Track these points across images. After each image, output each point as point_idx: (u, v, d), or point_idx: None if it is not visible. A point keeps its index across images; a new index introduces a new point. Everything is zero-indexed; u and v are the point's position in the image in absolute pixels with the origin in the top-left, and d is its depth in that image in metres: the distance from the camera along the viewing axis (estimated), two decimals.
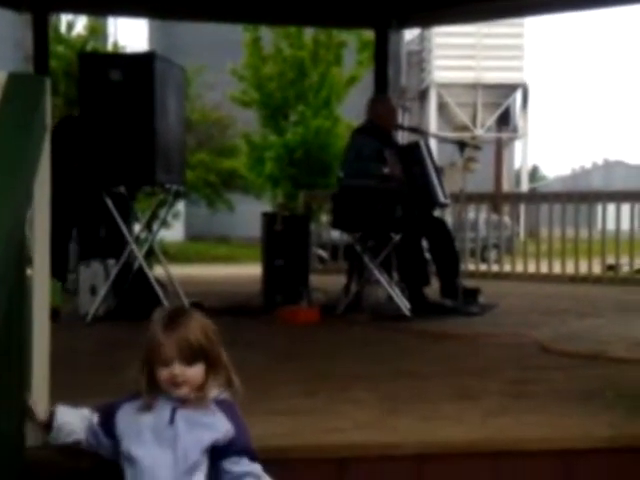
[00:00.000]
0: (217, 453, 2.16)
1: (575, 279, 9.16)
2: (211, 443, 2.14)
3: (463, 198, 6.34)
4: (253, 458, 2.20)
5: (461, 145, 6.21)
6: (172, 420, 2.16)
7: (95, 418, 2.28)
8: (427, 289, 6.15)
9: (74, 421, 2.27)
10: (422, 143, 6.42)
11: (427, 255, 6.43)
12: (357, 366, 3.88)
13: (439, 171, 6.31)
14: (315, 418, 2.79)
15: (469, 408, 2.96)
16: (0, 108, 2.15)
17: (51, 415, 2.28)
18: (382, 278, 6.00)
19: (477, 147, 6.85)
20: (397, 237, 6.08)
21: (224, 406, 2.20)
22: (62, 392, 2.50)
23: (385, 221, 5.98)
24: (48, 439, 2.28)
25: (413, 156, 6.21)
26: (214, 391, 2.20)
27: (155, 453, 2.12)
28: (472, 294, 6.25)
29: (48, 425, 2.28)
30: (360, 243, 6.14)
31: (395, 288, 6.04)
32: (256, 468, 2.19)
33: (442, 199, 6.28)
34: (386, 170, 5.99)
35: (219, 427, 2.16)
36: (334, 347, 4.62)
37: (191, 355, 2.15)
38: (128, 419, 2.19)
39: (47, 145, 2.31)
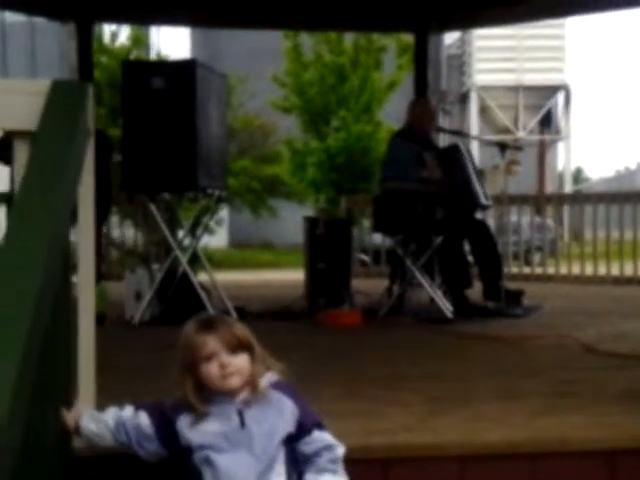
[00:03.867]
0: (289, 437, 2.17)
1: (619, 281, 9.06)
2: (286, 433, 2.16)
3: (505, 200, 6.31)
4: (321, 427, 2.22)
5: (502, 147, 6.20)
6: (243, 423, 2.16)
7: (145, 420, 2.26)
8: (470, 292, 6.13)
9: (98, 430, 2.27)
10: (461, 145, 6.41)
11: (469, 257, 6.41)
12: (400, 368, 3.88)
13: (479, 173, 6.30)
14: (359, 420, 2.80)
15: (512, 409, 2.95)
16: (44, 114, 2.19)
17: (79, 426, 2.30)
18: (424, 281, 5.99)
19: (518, 148, 6.82)
20: (438, 240, 6.07)
21: (280, 387, 2.22)
22: (108, 395, 2.54)
23: (426, 224, 5.98)
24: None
25: (453, 158, 6.21)
26: (264, 378, 2.22)
27: (234, 459, 2.13)
28: (515, 296, 6.21)
29: (78, 432, 2.30)
30: (402, 246, 6.14)
31: (437, 291, 6.03)
32: (326, 438, 2.22)
33: (483, 201, 6.26)
34: (425, 173, 5.99)
35: (287, 414, 2.17)
36: (377, 349, 4.62)
37: (235, 344, 2.17)
38: (193, 430, 2.18)
39: (91, 151, 2.36)
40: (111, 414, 2.29)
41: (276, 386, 2.21)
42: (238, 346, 2.17)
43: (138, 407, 2.31)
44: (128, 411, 2.29)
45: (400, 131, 6.51)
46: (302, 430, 2.19)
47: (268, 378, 2.22)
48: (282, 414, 2.17)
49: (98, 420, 2.28)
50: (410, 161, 6.02)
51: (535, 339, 4.74)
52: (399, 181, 6.00)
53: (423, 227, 6.01)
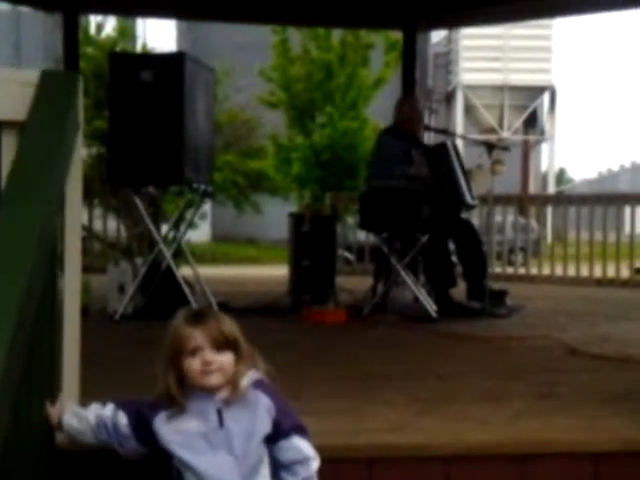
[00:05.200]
0: (267, 437, 2.14)
1: (602, 282, 9.10)
2: (265, 433, 2.13)
3: (491, 200, 6.32)
4: (302, 433, 2.18)
5: (489, 147, 6.20)
6: (221, 422, 2.13)
7: (122, 419, 2.24)
8: (454, 291, 6.13)
9: (80, 427, 2.25)
10: (449, 144, 6.41)
11: (454, 257, 6.41)
12: (385, 367, 3.88)
13: (466, 172, 6.30)
14: (344, 418, 2.79)
15: (497, 410, 2.95)
16: (33, 106, 2.16)
17: (60, 420, 2.27)
18: (409, 279, 5.99)
19: (505, 148, 6.81)
20: (424, 238, 6.07)
21: (260, 385, 2.19)
22: (91, 388, 2.52)
23: (412, 222, 5.97)
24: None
25: (440, 157, 6.21)
26: (246, 378, 2.18)
27: (214, 460, 2.10)
28: (499, 296, 6.22)
29: (61, 428, 2.28)
30: (387, 244, 6.13)
31: (421, 289, 6.03)
32: (303, 448, 2.16)
33: (469, 200, 6.27)
34: (413, 171, 5.98)
35: (262, 411, 2.13)
36: (361, 348, 4.62)
37: (221, 342, 2.13)
38: (170, 429, 2.14)
39: (79, 144, 2.33)
40: (92, 411, 2.26)
41: (257, 384, 2.18)
42: (224, 344, 2.14)
43: (118, 405, 2.28)
44: (108, 409, 2.26)
45: (387, 129, 6.49)
46: (278, 431, 2.15)
47: (250, 376, 2.19)
48: (259, 413, 2.14)
49: (80, 417, 2.25)
50: (397, 158, 6.01)
51: (519, 340, 4.75)
52: (386, 179, 5.99)
53: (409, 225, 6.00)
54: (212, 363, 2.12)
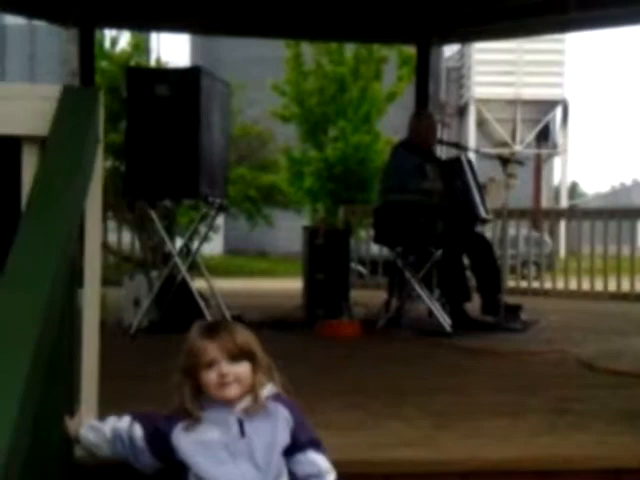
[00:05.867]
0: (285, 449, 2.14)
1: (616, 296, 9.06)
2: (284, 445, 2.13)
3: (505, 214, 6.31)
4: (317, 447, 2.18)
5: (504, 161, 6.19)
6: (243, 432, 2.13)
7: (138, 432, 2.24)
8: (468, 305, 6.12)
9: (97, 440, 2.25)
10: (463, 158, 6.41)
11: (468, 271, 6.40)
12: (400, 381, 3.87)
13: (481, 186, 6.29)
14: (360, 433, 2.79)
15: (514, 426, 2.94)
16: (55, 120, 2.18)
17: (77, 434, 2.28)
18: (423, 293, 5.98)
19: (520, 163, 6.81)
20: (438, 252, 6.07)
21: (279, 399, 2.19)
22: (109, 403, 2.53)
23: (426, 236, 5.97)
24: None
25: (454, 171, 6.20)
26: (265, 389, 2.19)
27: (236, 470, 2.09)
28: (514, 311, 6.20)
29: (79, 441, 2.29)
30: (401, 258, 6.13)
31: (436, 303, 6.02)
32: (320, 463, 2.16)
33: (484, 214, 6.25)
34: (427, 185, 5.98)
35: (282, 422, 2.13)
36: (376, 362, 4.61)
37: (237, 353, 2.12)
38: (189, 440, 2.14)
39: (100, 159, 2.35)
40: (109, 425, 2.27)
41: (275, 398, 2.19)
42: (239, 354, 2.14)
43: (134, 417, 2.28)
44: (125, 422, 2.26)
45: (402, 142, 6.50)
46: (295, 444, 2.15)
47: (269, 390, 2.19)
48: (279, 425, 2.14)
49: (97, 430, 2.26)
50: (412, 173, 6.01)
51: (534, 355, 4.73)
52: (400, 192, 5.99)
53: (423, 239, 6.00)
54: (228, 375, 2.12)
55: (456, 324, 5.75)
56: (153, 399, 2.51)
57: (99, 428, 2.27)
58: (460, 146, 7.25)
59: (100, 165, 2.32)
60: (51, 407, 1.97)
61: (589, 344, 5.19)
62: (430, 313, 6.01)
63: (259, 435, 2.12)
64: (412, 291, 6.12)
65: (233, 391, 2.13)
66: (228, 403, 2.15)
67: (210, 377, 2.13)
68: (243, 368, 2.14)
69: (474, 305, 6.12)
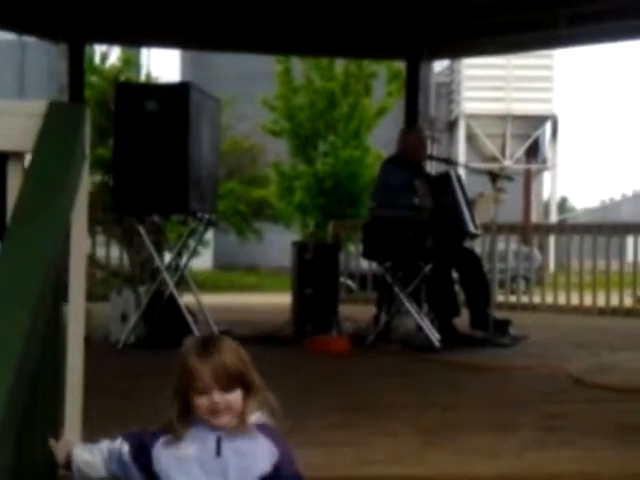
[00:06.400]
0: (264, 477, 2.11)
1: (605, 311, 9.07)
2: (263, 473, 2.11)
3: (494, 229, 6.31)
4: None
5: (493, 176, 6.21)
6: (219, 451, 2.12)
7: (125, 448, 2.23)
8: (457, 320, 6.11)
9: (92, 459, 2.22)
10: (452, 173, 6.42)
11: (457, 286, 6.40)
12: (389, 397, 3.86)
13: (469, 202, 6.30)
14: (349, 450, 2.77)
15: (503, 442, 2.93)
16: (40, 137, 2.16)
17: (69, 456, 2.25)
18: (412, 308, 5.98)
19: (509, 178, 6.83)
20: (427, 267, 6.07)
21: (266, 430, 2.16)
22: (93, 420, 2.50)
23: (415, 251, 5.97)
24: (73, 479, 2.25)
25: (443, 186, 6.21)
26: (253, 415, 2.16)
27: None
28: (503, 325, 6.19)
29: (69, 466, 2.25)
30: (390, 273, 6.13)
31: (425, 318, 6.01)
32: None
33: (472, 229, 6.26)
34: (416, 201, 5.99)
35: (265, 452, 2.11)
36: (365, 377, 4.60)
37: (229, 381, 2.10)
38: (168, 454, 2.13)
39: (86, 175, 2.34)
40: (104, 445, 2.25)
41: (263, 428, 2.16)
42: (232, 383, 2.11)
43: (125, 436, 2.27)
44: (117, 442, 2.25)
45: (391, 158, 6.51)
46: (279, 476, 2.11)
47: (257, 417, 2.17)
48: (260, 451, 2.11)
49: (91, 449, 2.23)
50: (401, 188, 6.01)
51: (523, 370, 4.72)
52: (390, 208, 5.99)
53: (412, 254, 6.00)
54: (219, 404, 2.08)
55: (445, 339, 5.74)
56: (139, 417, 2.49)
57: (94, 447, 2.24)
58: (450, 161, 7.28)
59: (86, 180, 2.30)
60: (34, 424, 1.95)
61: (578, 359, 5.18)
62: (419, 328, 6.00)
63: (236, 456, 2.10)
64: (401, 306, 6.11)
65: (224, 419, 2.11)
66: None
67: (201, 402, 2.10)
68: (235, 396, 2.11)
69: (463, 320, 6.12)
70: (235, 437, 2.11)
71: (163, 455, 2.14)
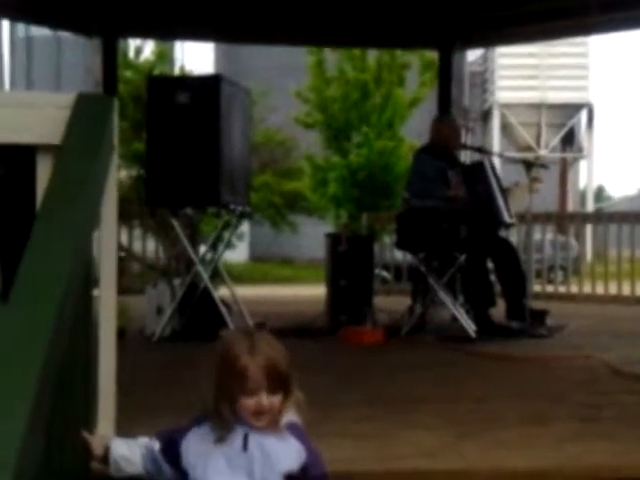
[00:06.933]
0: (290, 476, 2.08)
1: None
2: (287, 471, 2.08)
3: (529, 218, 6.24)
4: None
5: (527, 165, 6.13)
6: (245, 447, 2.09)
7: (156, 445, 2.21)
8: (493, 310, 6.05)
9: (130, 454, 2.21)
10: (486, 162, 6.35)
11: (492, 276, 6.33)
12: (423, 389, 3.82)
13: (504, 191, 6.24)
14: (381, 443, 2.74)
15: (540, 434, 2.88)
16: (68, 128, 2.16)
17: (106, 449, 2.24)
18: (447, 299, 5.93)
19: (544, 166, 6.74)
20: (462, 258, 6.01)
21: (295, 430, 2.13)
22: (127, 413, 2.50)
23: (450, 241, 5.92)
24: (108, 473, 2.24)
25: (477, 176, 6.15)
26: (286, 415, 2.13)
27: None
28: (539, 316, 6.12)
29: (105, 459, 2.24)
30: (424, 264, 6.08)
31: (460, 309, 5.96)
32: None
33: (507, 219, 6.19)
34: (451, 192, 5.93)
35: (292, 452, 2.08)
36: (399, 369, 4.56)
37: (278, 383, 2.05)
38: (196, 449, 2.11)
39: (114, 166, 2.33)
40: (142, 441, 2.24)
41: (291, 427, 2.13)
42: (279, 385, 2.06)
43: (158, 434, 2.26)
44: (151, 439, 2.24)
45: (424, 147, 6.45)
46: (305, 476, 2.08)
47: (289, 417, 2.13)
48: (287, 449, 2.09)
49: (130, 445, 2.22)
50: (435, 179, 5.96)
51: (561, 360, 4.66)
52: (424, 198, 5.95)
53: (447, 245, 5.95)
54: (265, 406, 2.05)
55: (481, 330, 5.69)
56: (175, 410, 2.48)
57: (132, 442, 2.23)
58: (483, 150, 7.20)
59: (115, 172, 2.30)
60: (65, 420, 1.95)
61: (617, 349, 5.11)
62: (454, 318, 5.96)
63: (262, 453, 2.08)
64: (436, 297, 6.07)
65: (264, 421, 2.08)
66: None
67: (247, 404, 2.06)
68: (278, 399, 2.08)
69: (499, 310, 6.05)
70: (263, 434, 2.09)
71: (191, 450, 2.12)
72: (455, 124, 6.69)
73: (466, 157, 10.16)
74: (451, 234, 5.88)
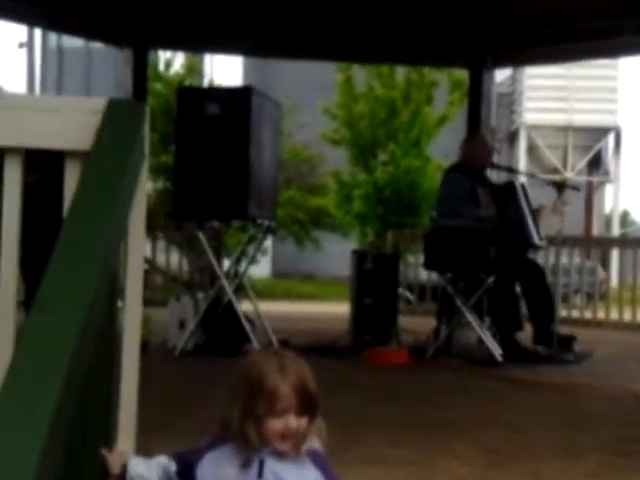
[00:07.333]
0: None
1: None
2: None
3: (559, 241, 6.13)
4: None
5: (559, 186, 6.03)
6: (260, 474, 2.00)
7: (173, 467, 2.14)
8: (520, 334, 5.93)
9: (147, 473, 2.12)
10: (517, 183, 6.26)
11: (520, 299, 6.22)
12: (451, 414, 3.72)
13: (534, 212, 6.14)
14: (408, 469, 2.65)
15: (572, 467, 2.79)
16: (98, 134, 2.10)
17: (124, 467, 2.16)
18: (474, 321, 5.82)
19: (576, 188, 6.66)
20: (490, 279, 5.90)
21: (316, 457, 2.03)
22: (148, 430, 2.43)
23: (478, 262, 5.81)
24: None
25: (507, 196, 6.05)
26: (307, 442, 2.03)
27: None
28: (567, 342, 6.00)
29: (122, 478, 2.16)
30: (452, 284, 5.98)
31: (487, 332, 5.85)
32: None
33: (537, 241, 6.09)
34: (482, 213, 5.83)
35: (311, 478, 2.00)
36: (425, 392, 4.47)
37: (306, 406, 1.91)
38: (212, 473, 2.00)
39: (144, 175, 2.27)
40: (160, 460, 2.16)
41: (312, 454, 2.03)
42: (307, 407, 1.97)
43: (174, 455, 2.17)
44: (170, 460, 2.16)
45: (454, 166, 6.36)
46: None
47: (310, 443, 2.03)
48: (305, 477, 1.99)
49: (148, 464, 2.14)
50: (464, 198, 5.87)
51: (590, 389, 4.54)
52: (453, 217, 5.85)
53: (475, 265, 5.84)
54: (292, 430, 1.91)
55: (507, 354, 5.57)
56: (196, 426, 2.41)
57: (150, 462, 2.15)
58: (513, 170, 7.11)
59: (144, 180, 2.23)
60: (85, 433, 1.88)
61: None
62: (480, 341, 5.85)
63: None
64: (462, 318, 5.96)
65: (288, 445, 1.98)
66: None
67: (275, 426, 1.94)
68: (304, 422, 1.98)
69: (526, 335, 5.93)
70: (280, 460, 1.99)
71: (207, 474, 2.03)
72: (486, 142, 6.60)
73: (495, 177, 10.07)
74: (480, 254, 5.78)
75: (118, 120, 2.09)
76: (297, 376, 1.96)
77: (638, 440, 3.25)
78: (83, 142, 2.08)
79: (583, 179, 28.70)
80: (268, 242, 20.77)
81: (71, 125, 2.11)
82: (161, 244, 10.89)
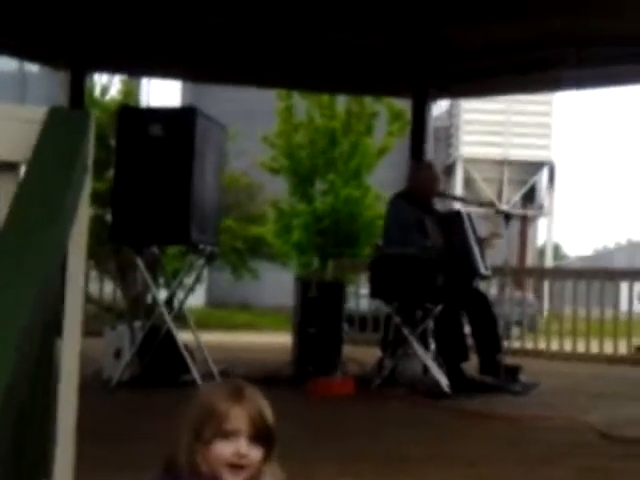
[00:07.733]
0: None
1: (599, 359, 8.83)
2: None
3: (508, 271, 6.08)
4: None
5: (507, 216, 5.99)
6: None
7: None
8: (465, 365, 5.84)
9: None
10: (463, 212, 6.21)
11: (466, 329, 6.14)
12: (399, 447, 3.57)
13: (480, 241, 6.09)
14: None
15: None
16: (37, 145, 1.92)
17: None
18: (420, 351, 5.70)
19: (525, 217, 6.61)
20: (437, 308, 5.80)
21: None
22: (84, 464, 2.24)
23: (425, 290, 5.72)
24: None
25: (454, 225, 5.99)
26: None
27: None
28: (513, 372, 5.93)
29: None
30: (398, 313, 5.86)
31: (433, 362, 5.74)
32: None
33: (483, 270, 6.03)
34: (429, 242, 5.75)
35: None
36: (372, 424, 4.32)
37: (260, 432, 1.76)
38: None
39: (87, 190, 2.09)
40: None
41: None
42: (261, 435, 1.80)
43: None
44: None
45: (400, 193, 6.26)
46: None
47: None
48: None
49: None
50: (411, 226, 5.78)
51: (543, 420, 4.44)
52: (401, 245, 5.75)
53: (422, 294, 5.74)
54: (245, 457, 1.75)
55: (453, 384, 5.46)
56: (133, 462, 2.23)
57: None
58: (463, 199, 7.07)
59: (87, 196, 2.05)
60: (21, 475, 1.68)
61: (597, 410, 4.92)
62: (425, 371, 5.73)
63: None
64: (408, 348, 5.84)
65: (240, 477, 1.80)
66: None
67: (224, 450, 1.75)
68: (258, 453, 1.80)
69: (472, 365, 5.84)
70: None
71: None
72: (433, 171, 6.53)
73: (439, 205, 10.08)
74: (427, 283, 5.69)
75: (59, 130, 1.91)
76: (253, 403, 1.78)
77: (600, 470, 3.16)
78: (19, 153, 1.89)
79: (518, 212, 29.14)
80: (204, 271, 20.46)
81: (5, 134, 1.92)
82: (93, 273, 10.56)
